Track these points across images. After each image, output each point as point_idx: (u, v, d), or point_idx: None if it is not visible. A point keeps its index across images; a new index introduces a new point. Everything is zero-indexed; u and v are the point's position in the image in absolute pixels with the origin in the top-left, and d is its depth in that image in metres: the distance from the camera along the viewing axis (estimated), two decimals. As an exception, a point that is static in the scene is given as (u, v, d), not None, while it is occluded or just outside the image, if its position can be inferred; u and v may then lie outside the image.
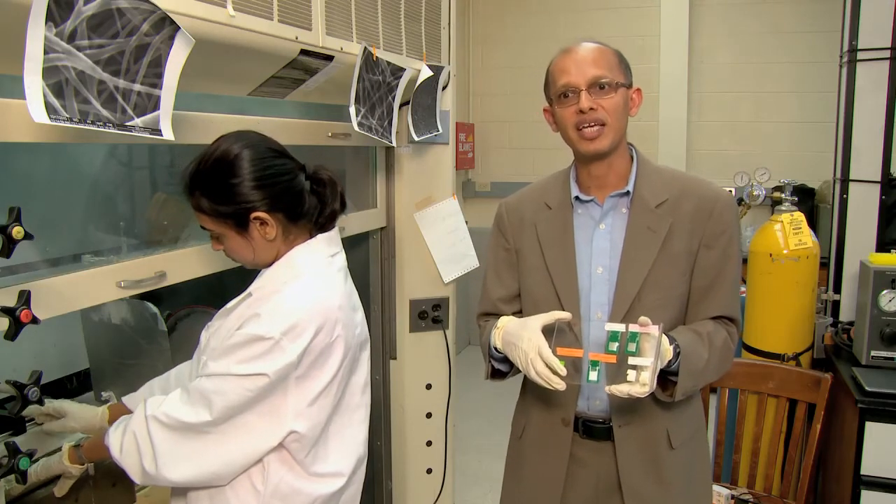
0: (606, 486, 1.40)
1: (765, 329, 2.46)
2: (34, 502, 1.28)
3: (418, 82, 1.93)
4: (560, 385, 1.23)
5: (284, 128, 1.67)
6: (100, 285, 1.23)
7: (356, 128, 1.68)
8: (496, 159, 5.54)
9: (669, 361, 1.25)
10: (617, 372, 1.22)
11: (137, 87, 1.07)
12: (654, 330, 1.20)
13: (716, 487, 2.14)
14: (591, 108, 1.29)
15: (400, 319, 2.23)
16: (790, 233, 2.39)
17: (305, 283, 1.22)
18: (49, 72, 0.92)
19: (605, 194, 1.38)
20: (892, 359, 2.18)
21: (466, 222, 2.32)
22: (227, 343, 1.17)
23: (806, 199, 4.18)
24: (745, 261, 1.99)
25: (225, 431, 1.17)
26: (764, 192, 3.61)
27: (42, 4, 0.89)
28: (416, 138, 2.00)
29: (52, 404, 1.35)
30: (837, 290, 2.56)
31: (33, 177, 1.54)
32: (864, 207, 2.48)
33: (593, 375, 1.23)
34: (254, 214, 1.20)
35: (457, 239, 2.25)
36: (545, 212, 1.44)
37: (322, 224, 1.31)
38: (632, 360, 1.20)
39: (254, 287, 1.25)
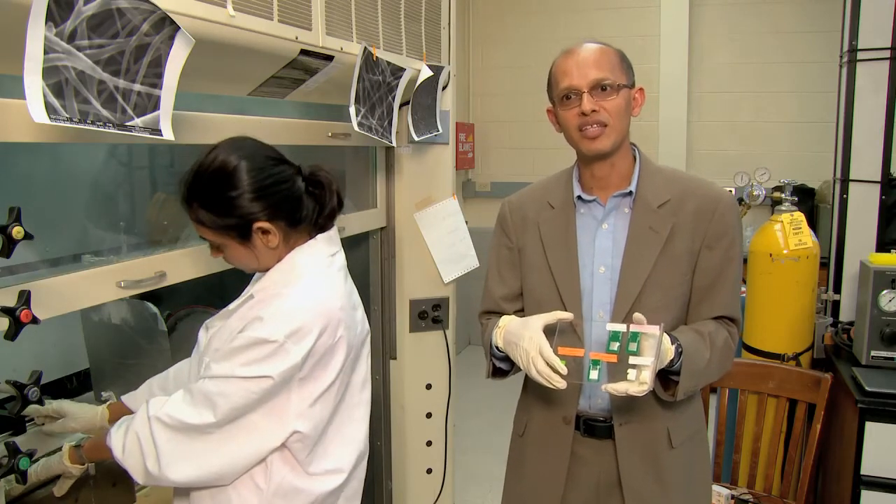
0: (607, 485, 1.40)
1: (765, 329, 2.46)
2: (34, 502, 1.28)
3: (418, 82, 1.93)
4: (561, 384, 1.23)
5: (284, 128, 1.67)
6: (100, 285, 1.23)
7: (356, 128, 1.68)
8: (496, 159, 5.55)
9: (671, 361, 1.25)
10: (617, 371, 1.23)
11: (137, 87, 1.07)
12: (655, 330, 1.21)
13: (716, 487, 2.14)
14: (594, 110, 1.29)
15: (400, 319, 2.23)
16: (790, 233, 2.39)
17: (307, 285, 1.22)
18: (49, 72, 0.92)
19: (608, 194, 1.39)
20: (892, 359, 2.18)
21: (466, 222, 2.32)
22: (231, 346, 1.17)
23: (806, 199, 4.18)
24: (745, 261, 1.99)
25: (228, 432, 1.17)
26: (764, 192, 3.61)
27: (42, 4, 0.89)
28: (416, 138, 2.00)
29: (51, 405, 1.35)
30: (837, 290, 2.56)
31: (33, 177, 1.54)
32: (864, 207, 2.48)
33: (594, 374, 1.24)
34: (256, 225, 1.20)
35: (457, 239, 2.25)
36: (548, 211, 1.44)
37: (321, 224, 1.31)
38: (632, 360, 1.20)
39: (255, 289, 1.25)
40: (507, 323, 1.37)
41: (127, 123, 1.06)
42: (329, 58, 1.58)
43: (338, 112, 1.84)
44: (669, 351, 1.24)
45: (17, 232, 1.01)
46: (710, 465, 1.56)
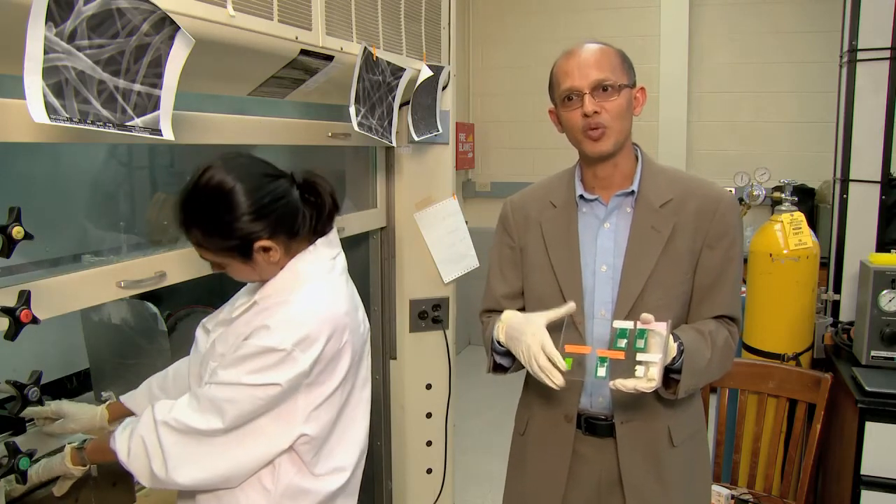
0: (608, 483, 1.40)
1: (765, 329, 2.46)
2: (34, 502, 1.27)
3: (418, 82, 1.93)
4: (559, 381, 1.23)
5: (284, 128, 1.67)
6: (100, 285, 1.23)
7: (356, 128, 1.68)
8: (496, 159, 5.55)
9: (673, 359, 1.26)
10: (624, 368, 1.23)
11: (137, 87, 1.07)
12: (662, 327, 1.21)
13: (716, 487, 2.14)
14: (595, 112, 1.30)
15: (400, 319, 2.23)
16: (790, 233, 2.39)
17: (312, 292, 1.23)
18: (49, 72, 0.92)
19: (610, 194, 1.39)
20: (892, 359, 2.18)
21: (466, 222, 2.32)
22: (238, 353, 1.18)
23: (806, 199, 4.18)
24: (745, 261, 1.99)
25: (236, 437, 1.18)
26: (764, 192, 3.61)
27: (42, 4, 0.89)
28: (416, 138, 2.00)
29: (49, 406, 1.35)
30: (837, 290, 2.56)
31: (33, 177, 1.54)
32: (864, 207, 2.48)
33: (601, 371, 1.24)
34: (257, 244, 1.20)
35: (457, 239, 2.25)
36: (550, 210, 1.45)
37: (320, 229, 1.31)
38: (640, 357, 1.21)
39: (259, 296, 1.25)
40: (510, 318, 1.37)
41: (127, 123, 1.06)
42: (329, 58, 1.58)
43: (338, 112, 1.84)
44: (672, 349, 1.25)
45: (17, 232, 1.01)
46: (710, 464, 1.57)
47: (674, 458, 1.39)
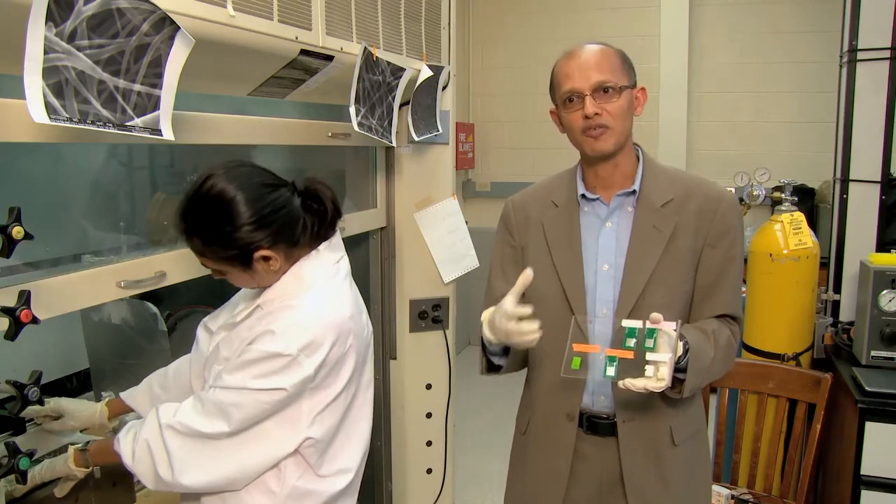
0: (609, 483, 1.41)
1: (765, 329, 2.46)
2: (35, 502, 1.27)
3: (418, 82, 1.93)
4: (535, 331, 1.23)
5: (284, 128, 1.67)
6: (100, 285, 1.23)
7: (356, 128, 1.68)
8: (496, 159, 5.54)
9: (679, 358, 1.26)
10: (632, 367, 1.23)
11: (137, 87, 1.07)
12: (671, 327, 1.22)
13: (716, 487, 2.14)
14: (596, 113, 1.30)
15: (400, 319, 2.23)
16: (790, 233, 2.39)
17: (317, 297, 1.23)
18: (49, 72, 0.92)
19: (612, 193, 1.40)
20: (892, 359, 2.18)
21: (466, 222, 2.32)
22: (243, 358, 1.18)
23: (806, 199, 4.18)
24: (745, 261, 1.99)
25: (242, 440, 1.18)
26: (764, 192, 3.61)
27: (42, 4, 0.89)
28: (416, 138, 2.00)
29: (49, 404, 1.35)
30: (837, 290, 2.56)
31: (33, 177, 1.54)
32: (864, 207, 2.48)
33: (610, 371, 1.24)
34: (258, 254, 1.20)
35: (457, 239, 2.25)
36: (552, 210, 1.45)
37: (322, 234, 1.30)
38: (650, 356, 1.21)
39: (262, 300, 1.25)
40: (486, 315, 1.38)
41: (127, 123, 1.06)
42: (329, 58, 1.58)
43: (338, 112, 1.84)
44: (679, 347, 1.25)
45: (17, 232, 1.01)
46: (710, 463, 1.57)
47: (675, 457, 1.39)
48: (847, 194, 2.51)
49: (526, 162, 5.41)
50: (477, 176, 5.60)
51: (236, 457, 1.19)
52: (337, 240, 1.34)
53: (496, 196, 5.40)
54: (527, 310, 1.24)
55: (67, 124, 0.96)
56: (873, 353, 2.20)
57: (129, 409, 1.42)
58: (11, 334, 1.01)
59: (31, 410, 1.31)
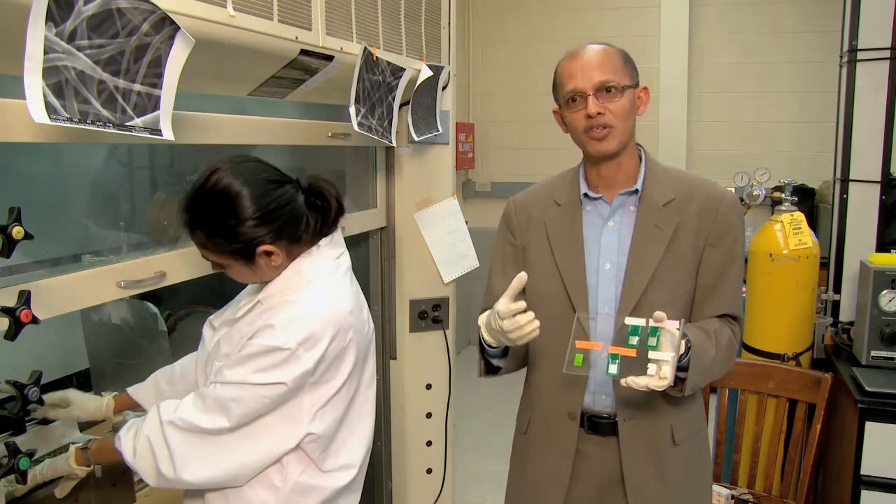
0: (610, 482, 1.41)
1: (765, 329, 2.46)
2: (35, 502, 1.27)
3: (418, 82, 1.93)
4: (532, 321, 1.23)
5: (284, 128, 1.67)
6: (100, 285, 1.23)
7: (356, 128, 1.68)
8: (496, 159, 5.54)
9: (680, 356, 1.26)
10: (634, 365, 1.23)
11: (137, 87, 1.07)
12: (674, 326, 1.22)
13: (716, 487, 2.14)
14: (599, 113, 1.31)
15: (400, 319, 2.23)
16: (790, 233, 2.39)
17: (316, 292, 1.23)
18: (49, 72, 0.92)
19: (614, 193, 1.40)
20: (892, 359, 2.18)
21: (466, 222, 2.32)
22: (243, 353, 1.18)
23: (806, 199, 4.18)
24: (745, 261, 1.99)
25: (243, 435, 1.19)
26: (764, 192, 3.61)
27: (42, 4, 0.89)
28: (416, 138, 2.00)
29: (56, 394, 1.37)
30: (837, 290, 2.56)
31: (33, 177, 1.54)
32: (864, 207, 2.48)
33: (613, 368, 1.24)
34: (260, 248, 1.21)
35: (457, 239, 2.25)
36: (554, 209, 1.46)
37: (324, 232, 1.31)
38: (652, 355, 1.21)
39: (262, 295, 1.26)
40: (481, 318, 1.39)
41: (127, 123, 1.06)
42: (329, 58, 1.58)
43: (338, 112, 1.84)
44: (681, 346, 1.25)
45: (17, 232, 1.01)
46: (710, 463, 1.57)
47: (675, 456, 1.39)
48: (847, 194, 2.51)
49: (526, 162, 5.41)
50: (477, 176, 5.60)
51: (237, 452, 1.19)
52: (338, 236, 1.34)
53: (496, 196, 5.40)
54: (521, 304, 1.24)
55: (67, 124, 0.96)
56: (873, 353, 2.20)
57: (136, 405, 1.43)
58: (11, 334, 1.01)
59: (41, 411, 1.35)
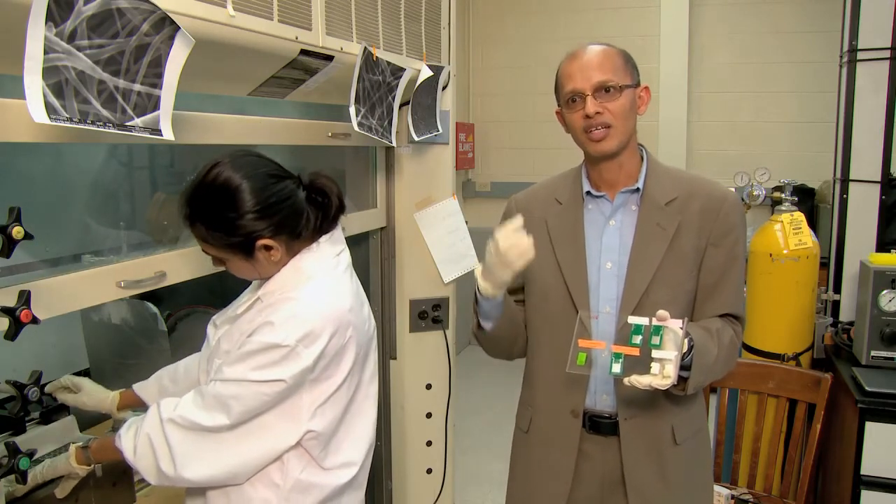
0: (611, 482, 1.41)
1: (765, 329, 2.46)
2: (35, 502, 1.27)
3: (418, 82, 1.93)
4: (524, 237, 1.26)
5: (284, 128, 1.67)
6: (100, 285, 1.23)
7: (356, 128, 1.68)
8: (496, 159, 5.55)
9: (683, 355, 1.26)
10: (637, 364, 1.23)
11: (137, 87, 1.07)
12: (677, 325, 1.22)
13: (716, 487, 2.14)
14: (598, 113, 1.31)
15: (400, 319, 2.23)
16: (790, 233, 2.39)
17: (315, 289, 1.23)
18: (49, 72, 0.92)
19: (616, 191, 1.40)
20: (892, 359, 2.18)
21: (466, 222, 2.32)
22: (242, 350, 1.18)
23: (806, 199, 4.18)
24: (745, 260, 1.99)
25: (242, 433, 1.19)
26: (764, 192, 3.60)
27: (42, 4, 0.89)
28: (416, 138, 2.00)
29: (70, 378, 1.40)
30: (837, 290, 2.56)
31: (33, 177, 1.54)
32: (864, 207, 2.48)
33: (616, 367, 1.24)
34: (259, 242, 1.21)
35: (457, 239, 2.25)
36: (555, 207, 1.46)
37: (325, 228, 1.31)
38: (655, 354, 1.21)
39: (262, 292, 1.26)
40: (479, 267, 1.38)
41: (127, 123, 1.06)
42: (329, 58, 1.58)
43: (338, 112, 1.84)
44: (684, 345, 1.25)
45: (17, 232, 1.01)
46: (711, 463, 1.57)
47: (676, 456, 1.40)
48: (847, 194, 2.51)
49: (526, 162, 5.41)
50: (477, 176, 5.60)
51: (238, 450, 1.19)
52: (338, 233, 1.34)
53: (496, 196, 5.40)
54: (518, 221, 1.27)
55: (67, 124, 0.96)
56: (873, 353, 2.20)
57: (141, 402, 1.44)
58: (11, 334, 1.01)
59: (51, 386, 1.38)
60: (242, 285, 1.38)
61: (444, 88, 2.12)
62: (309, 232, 1.28)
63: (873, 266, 2.19)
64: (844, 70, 2.52)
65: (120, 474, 1.38)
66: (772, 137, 4.82)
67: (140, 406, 1.45)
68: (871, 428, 1.98)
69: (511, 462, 1.59)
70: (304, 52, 1.49)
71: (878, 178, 2.44)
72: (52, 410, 1.41)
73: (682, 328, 1.21)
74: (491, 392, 4.28)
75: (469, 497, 3.23)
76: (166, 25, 1.08)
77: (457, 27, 2.23)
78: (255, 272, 1.26)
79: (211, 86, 1.51)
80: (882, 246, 2.45)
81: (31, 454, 1.18)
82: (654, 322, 1.23)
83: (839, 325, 2.51)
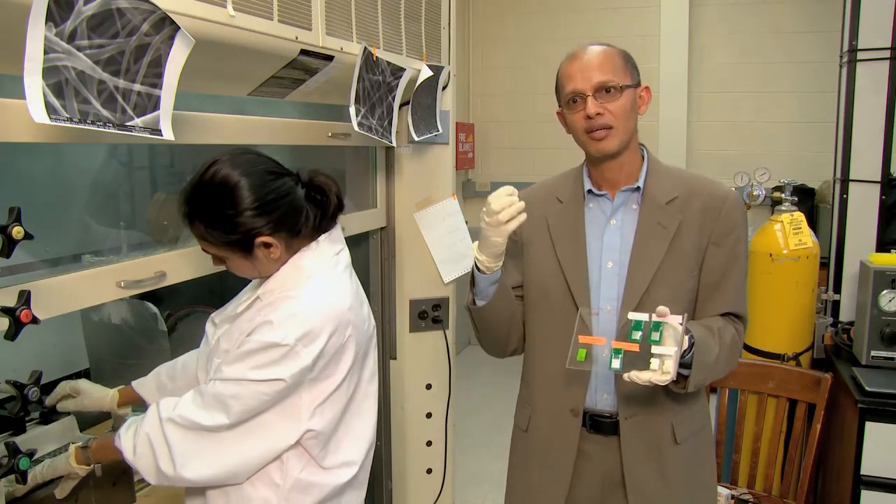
0: (611, 482, 1.41)
1: (765, 329, 2.46)
2: (35, 502, 1.27)
3: (418, 82, 1.93)
4: (517, 201, 1.27)
5: (284, 128, 1.67)
6: (100, 285, 1.23)
7: (356, 128, 1.68)
8: (496, 159, 5.54)
9: (684, 352, 1.26)
10: (637, 360, 1.23)
11: (137, 87, 1.07)
12: (677, 320, 1.22)
13: (716, 487, 2.15)
14: (598, 113, 1.31)
15: (400, 319, 2.23)
16: (790, 233, 2.39)
17: (315, 287, 1.23)
18: (49, 72, 0.92)
19: (617, 190, 1.41)
20: (892, 359, 2.18)
21: (466, 222, 2.32)
22: (242, 349, 1.18)
23: (806, 199, 4.18)
24: (745, 261, 1.99)
25: (242, 432, 1.19)
26: (764, 192, 3.61)
27: (42, 4, 0.89)
28: (416, 138, 2.00)
29: (68, 384, 1.40)
30: (837, 290, 2.56)
31: (33, 177, 1.54)
32: (864, 207, 2.48)
33: (616, 363, 1.24)
34: (258, 240, 1.21)
35: (457, 239, 2.25)
36: (556, 206, 1.46)
37: (324, 227, 1.31)
38: (655, 349, 1.21)
39: (261, 291, 1.26)
40: (475, 243, 1.39)
41: (127, 123, 1.06)
42: (329, 58, 1.58)
43: (338, 112, 1.84)
44: (684, 342, 1.25)
45: (17, 232, 1.01)
46: (714, 464, 1.56)
47: (677, 455, 1.39)
48: (847, 194, 2.51)
49: (526, 162, 5.41)
50: (477, 176, 5.60)
51: (237, 449, 1.19)
52: (337, 232, 1.34)
53: (496, 196, 5.39)
54: (511, 188, 1.29)
55: (67, 124, 0.96)
56: (873, 353, 2.20)
57: (140, 399, 1.44)
58: (11, 334, 1.01)
59: (51, 399, 1.39)
60: (242, 285, 1.38)
61: (444, 88, 2.12)
62: (308, 230, 1.28)
63: (873, 266, 2.19)
64: (844, 70, 2.52)
65: (120, 474, 1.38)
66: (772, 137, 4.82)
67: (140, 403, 1.45)
68: (871, 428, 1.98)
69: (510, 461, 1.59)
70: (304, 52, 1.49)
71: (878, 178, 2.44)
72: (52, 410, 1.41)
73: (681, 324, 1.21)
74: (491, 392, 4.28)
75: (469, 497, 3.23)
76: (166, 25, 1.08)
77: (457, 27, 2.23)
78: (254, 270, 1.26)
79: (211, 86, 1.51)
80: (882, 246, 2.45)
81: (31, 454, 1.18)
82: (654, 318, 1.23)
83: (839, 325, 2.51)
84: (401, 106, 1.89)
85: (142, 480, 1.41)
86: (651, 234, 1.36)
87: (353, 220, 2.00)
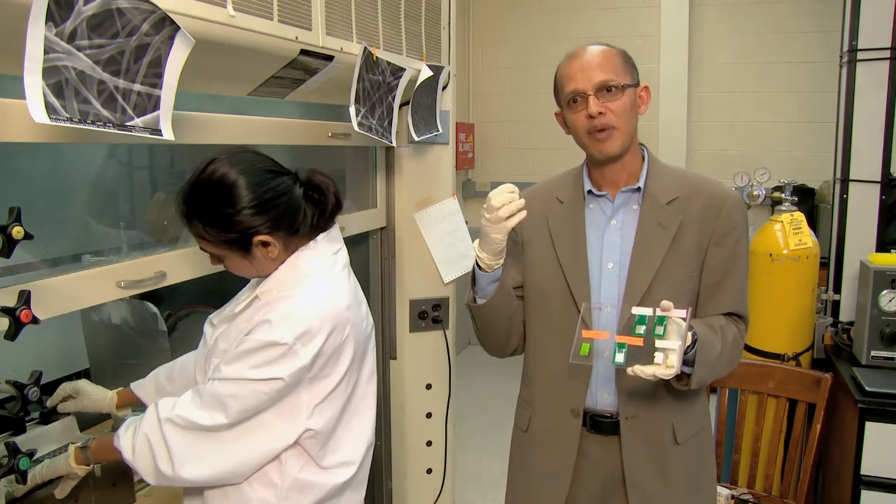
0: (612, 482, 1.40)
1: (765, 329, 2.46)
2: (35, 502, 1.27)
3: (418, 82, 1.93)
4: (517, 199, 1.28)
5: (284, 128, 1.67)
6: (100, 285, 1.23)
7: (356, 128, 1.68)
8: (496, 159, 5.54)
9: (687, 348, 1.25)
10: (641, 354, 1.23)
11: (137, 87, 1.07)
12: (681, 315, 1.22)
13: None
14: (600, 113, 1.31)
15: (400, 319, 2.23)
16: (790, 233, 2.39)
17: (314, 286, 1.23)
18: (49, 72, 0.92)
19: (617, 190, 1.41)
20: (892, 359, 2.18)
21: (466, 222, 2.32)
22: (240, 348, 1.18)
23: (806, 199, 4.18)
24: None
25: (241, 432, 1.19)
26: (764, 192, 3.61)
27: (42, 4, 0.89)
28: (416, 138, 2.00)
29: (68, 385, 1.40)
30: (837, 290, 2.56)
31: (33, 177, 1.54)
32: (864, 207, 2.48)
33: (619, 357, 1.24)
34: (257, 238, 1.21)
35: (457, 239, 2.25)
36: (557, 206, 1.46)
37: (322, 226, 1.31)
38: (659, 343, 1.21)
39: (260, 290, 1.26)
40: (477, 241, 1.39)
41: (127, 123, 1.06)
42: (329, 58, 1.58)
43: (338, 112, 1.84)
44: (688, 337, 1.25)
45: (17, 232, 1.01)
46: (714, 464, 1.56)
47: (677, 455, 1.39)
48: (847, 194, 2.51)
49: (526, 162, 5.41)
50: (477, 176, 5.60)
51: (236, 449, 1.19)
52: (336, 232, 1.34)
53: (496, 196, 5.39)
54: (511, 186, 1.31)
55: (67, 124, 0.96)
56: (873, 353, 2.20)
57: (139, 401, 1.44)
58: (11, 334, 1.01)
59: (52, 400, 1.40)
60: (242, 285, 1.38)
61: (444, 88, 2.12)
62: (306, 229, 1.28)
63: (873, 266, 2.19)
64: (844, 70, 2.52)
65: (119, 474, 1.38)
66: (772, 137, 4.82)
67: (139, 404, 1.45)
68: (871, 428, 1.98)
69: (510, 462, 1.58)
70: (304, 52, 1.49)
71: (878, 178, 2.44)
72: (52, 411, 1.41)
73: (685, 318, 1.21)
74: (491, 392, 4.28)
75: (469, 497, 3.23)
76: (166, 25, 1.08)
77: (457, 27, 2.23)
78: (253, 270, 1.26)
79: (211, 86, 1.51)
80: (882, 246, 2.45)
81: (31, 454, 1.18)
82: (658, 312, 1.23)
83: (839, 325, 2.51)
84: (401, 106, 1.89)
85: (141, 481, 1.40)
86: (651, 235, 1.36)
87: (353, 220, 2.00)
